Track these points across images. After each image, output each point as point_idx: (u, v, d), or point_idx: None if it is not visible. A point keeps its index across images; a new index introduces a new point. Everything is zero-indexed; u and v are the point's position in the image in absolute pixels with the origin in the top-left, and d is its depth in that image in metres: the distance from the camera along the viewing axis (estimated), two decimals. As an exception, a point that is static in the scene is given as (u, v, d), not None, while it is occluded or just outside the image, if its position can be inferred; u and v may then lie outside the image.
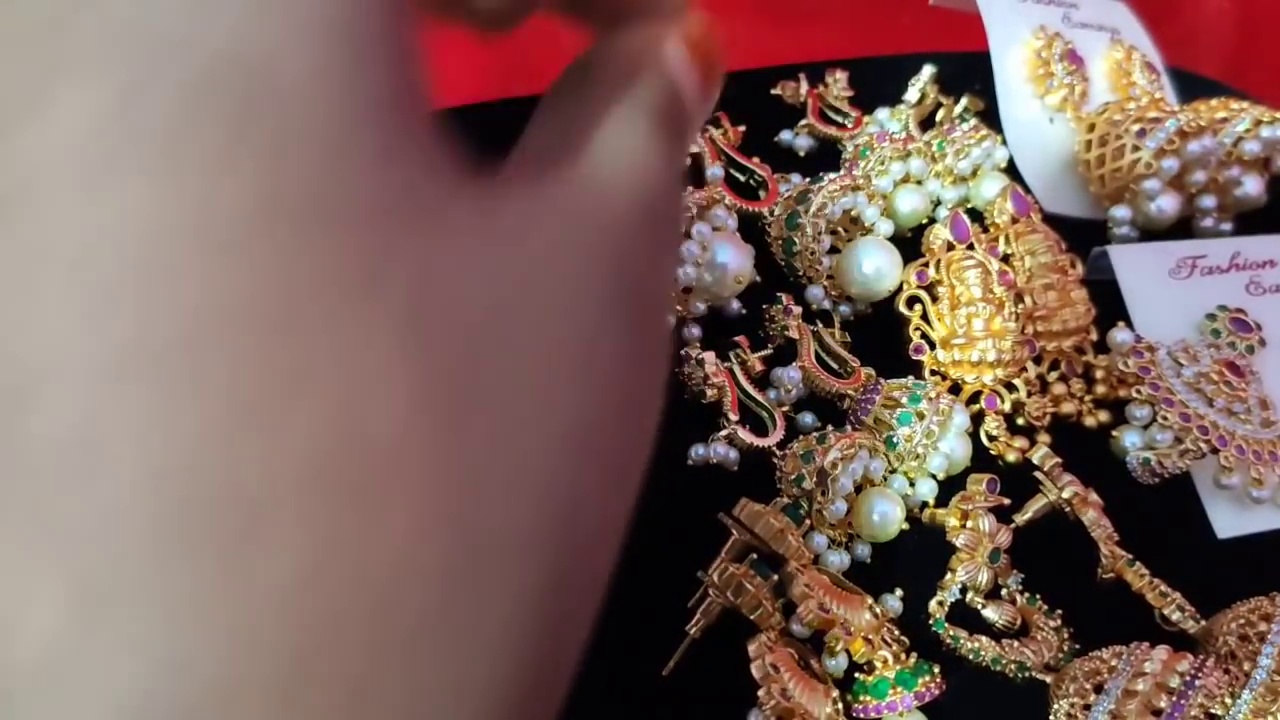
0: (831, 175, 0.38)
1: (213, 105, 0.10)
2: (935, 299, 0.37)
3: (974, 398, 0.36)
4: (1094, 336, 0.38)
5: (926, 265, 0.37)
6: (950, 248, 0.37)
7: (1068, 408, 0.36)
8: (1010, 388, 0.36)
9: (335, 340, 0.10)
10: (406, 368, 0.11)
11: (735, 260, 0.34)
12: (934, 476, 0.33)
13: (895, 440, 0.32)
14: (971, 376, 0.35)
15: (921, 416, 0.32)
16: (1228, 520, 0.36)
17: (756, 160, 0.39)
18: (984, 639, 0.30)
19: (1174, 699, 0.27)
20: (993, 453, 0.35)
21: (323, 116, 0.11)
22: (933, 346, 0.36)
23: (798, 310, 0.35)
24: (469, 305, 0.12)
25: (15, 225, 0.10)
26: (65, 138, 0.10)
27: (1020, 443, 0.35)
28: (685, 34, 0.19)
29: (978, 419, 0.35)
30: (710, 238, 0.34)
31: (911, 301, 0.37)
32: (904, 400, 0.33)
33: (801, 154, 0.41)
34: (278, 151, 0.10)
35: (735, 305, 0.35)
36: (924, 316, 0.37)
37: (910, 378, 0.34)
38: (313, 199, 0.10)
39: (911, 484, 0.33)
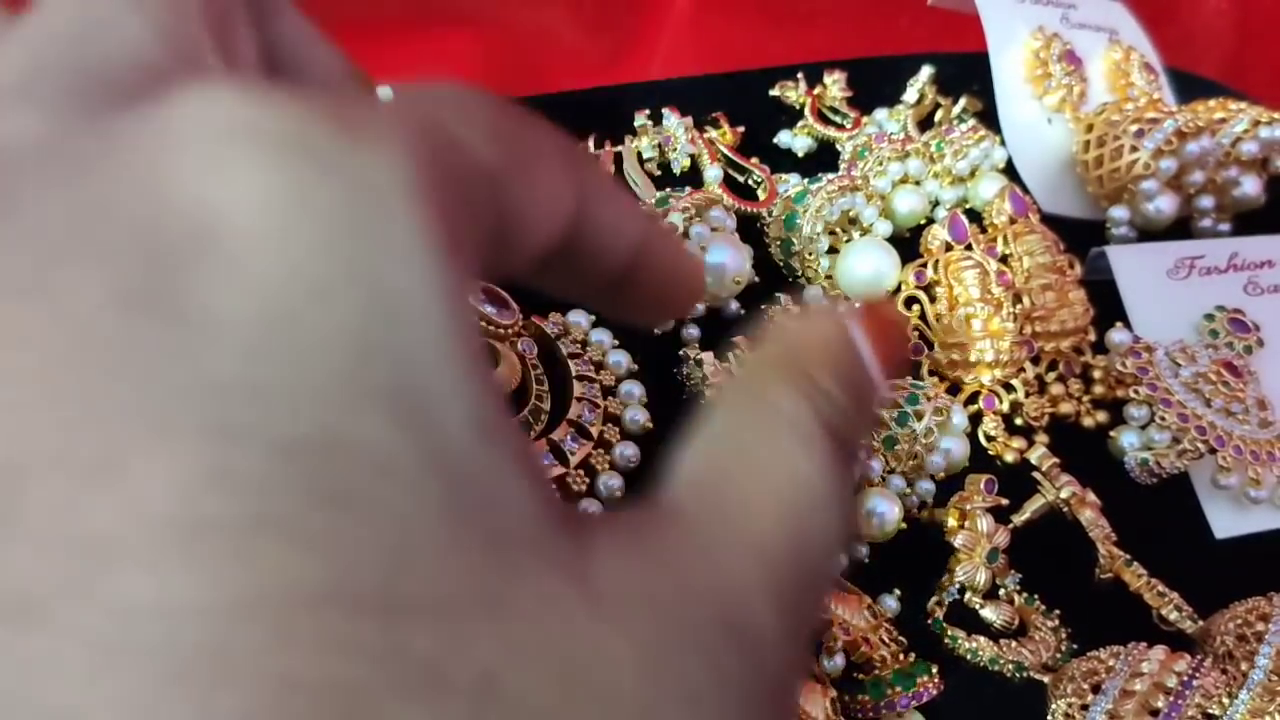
0: (830, 176, 0.38)
1: (290, 488, 0.10)
2: (933, 299, 0.37)
3: (972, 398, 0.36)
4: (1092, 337, 0.38)
5: (925, 266, 0.37)
6: (948, 248, 0.37)
7: (1065, 408, 0.36)
8: (1008, 388, 0.36)
9: None
10: None
11: (733, 261, 0.34)
12: (932, 477, 0.33)
13: (894, 440, 0.32)
14: (969, 377, 0.35)
15: (920, 417, 0.32)
16: (1225, 520, 0.36)
17: (755, 161, 0.39)
18: (982, 639, 0.30)
19: (1171, 699, 0.27)
20: (991, 453, 0.35)
21: (399, 496, 0.11)
22: (931, 347, 0.36)
23: (797, 311, 0.35)
24: (534, 703, 0.11)
25: (95, 588, 0.10)
26: (150, 509, 0.10)
27: (1018, 443, 0.35)
28: (869, 313, 0.17)
29: (976, 419, 0.35)
30: (708, 238, 0.34)
31: (910, 302, 0.37)
32: (902, 400, 0.33)
33: (800, 155, 0.41)
34: (350, 538, 0.10)
35: (734, 306, 0.35)
36: (922, 317, 0.37)
37: (908, 378, 0.34)
38: (383, 587, 0.10)
39: (910, 484, 0.33)
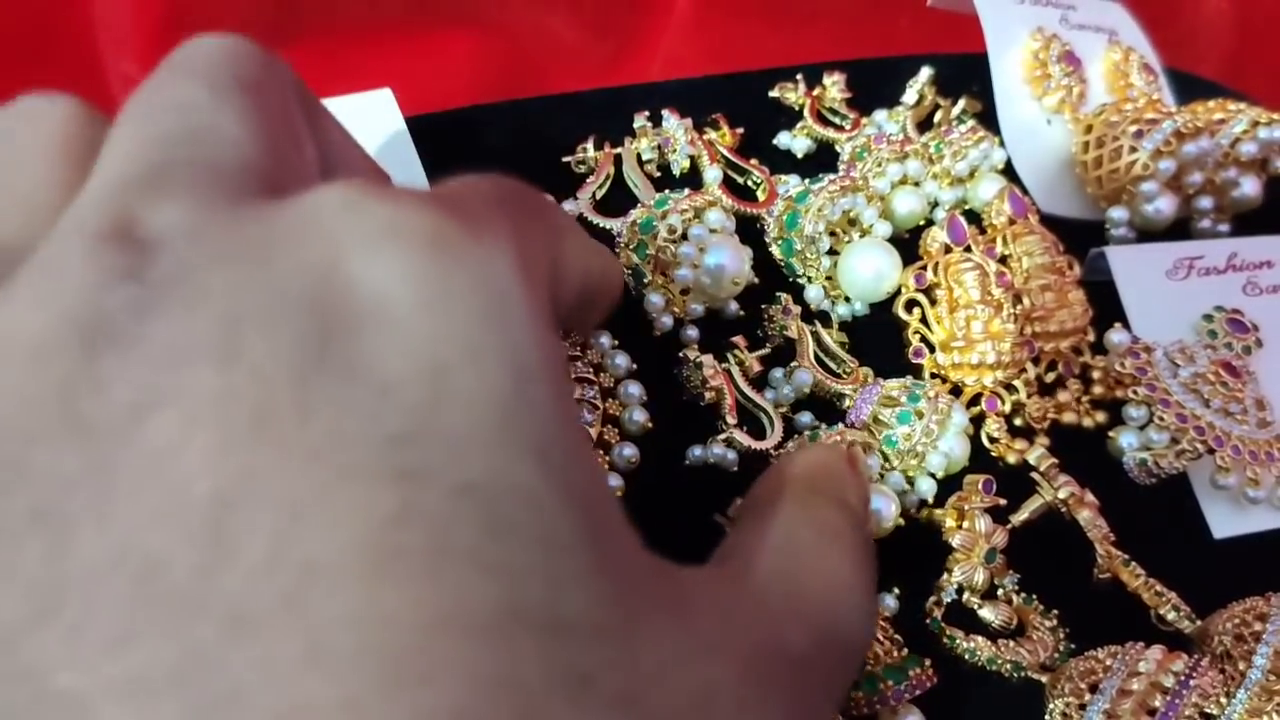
0: (831, 176, 0.38)
1: (469, 521, 0.12)
2: (934, 302, 0.37)
3: (974, 400, 0.36)
4: (1091, 337, 0.38)
5: (924, 268, 0.37)
6: (947, 250, 0.37)
7: (1069, 416, 0.36)
8: (1010, 389, 0.36)
9: None
10: None
11: (732, 262, 0.34)
12: (933, 476, 0.33)
13: (894, 439, 0.32)
14: (972, 379, 0.35)
15: (921, 415, 0.32)
16: (1224, 520, 0.36)
17: (754, 162, 0.39)
18: (980, 639, 0.30)
19: (1168, 699, 0.27)
20: (994, 455, 0.35)
21: (548, 533, 0.13)
22: (932, 350, 0.36)
23: (797, 310, 0.36)
24: (664, 711, 0.13)
25: (307, 603, 0.11)
26: (351, 537, 0.12)
27: (1021, 444, 0.35)
28: (852, 455, 0.24)
29: (978, 421, 0.35)
30: (708, 240, 0.34)
31: (910, 305, 0.37)
32: (903, 399, 0.33)
33: (799, 156, 0.41)
34: (516, 566, 0.12)
35: (733, 307, 0.35)
36: (923, 320, 0.37)
37: (909, 377, 0.35)
38: (546, 607, 0.12)
39: (911, 482, 0.33)
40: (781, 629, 0.16)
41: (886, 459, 0.33)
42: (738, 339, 0.34)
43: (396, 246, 0.13)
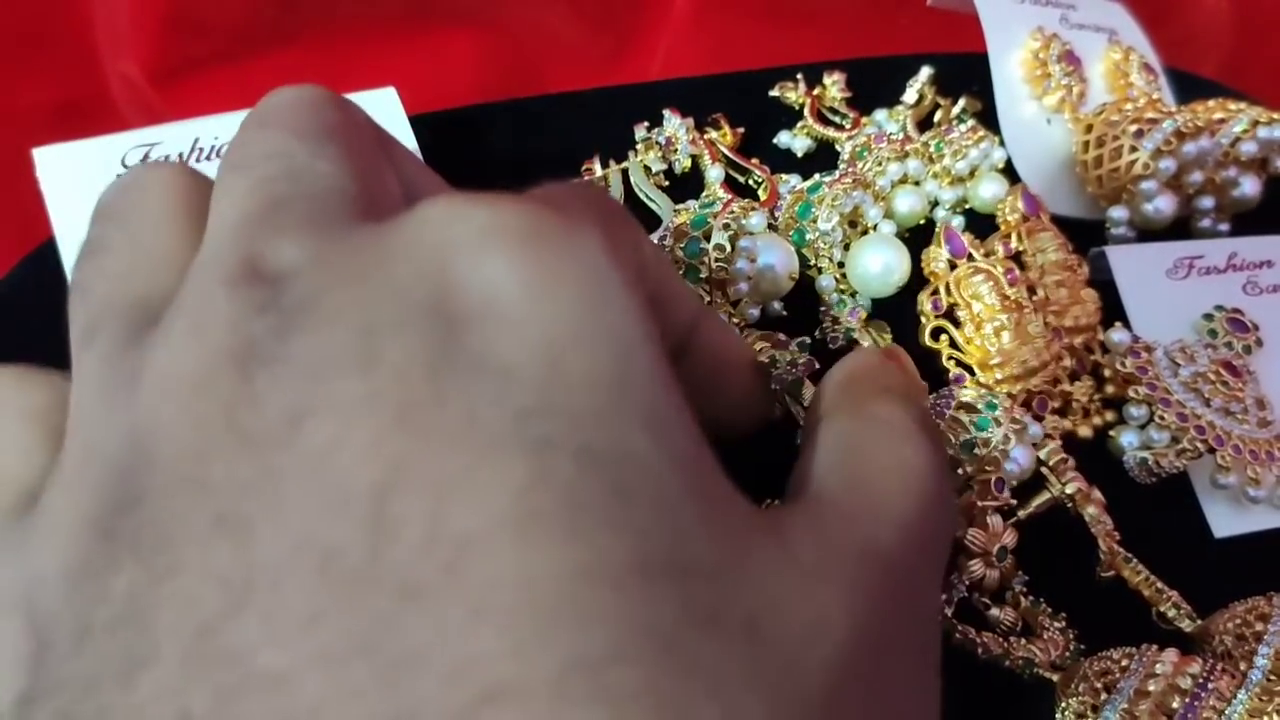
0: (838, 171, 0.38)
1: (595, 484, 0.14)
2: (958, 324, 0.36)
3: (1025, 403, 0.35)
4: (1101, 336, 0.38)
5: (936, 292, 0.37)
6: (952, 266, 0.37)
7: (1084, 430, 0.36)
8: (1055, 382, 0.36)
9: (703, 670, 0.13)
10: (759, 696, 0.13)
11: (781, 260, 0.34)
12: (1004, 481, 0.33)
13: (972, 444, 0.32)
14: (1018, 387, 0.35)
15: (999, 424, 0.32)
16: (1224, 520, 0.36)
17: (755, 161, 0.39)
18: (990, 635, 0.30)
19: (1187, 700, 0.27)
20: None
21: (661, 490, 0.14)
22: (971, 372, 0.36)
23: (862, 311, 0.36)
24: (786, 640, 0.14)
25: (466, 569, 0.13)
26: (496, 506, 0.13)
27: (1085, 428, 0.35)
28: (891, 350, 0.24)
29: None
30: (756, 247, 0.34)
31: (936, 334, 0.36)
32: (980, 406, 0.32)
33: (799, 155, 0.41)
34: (638, 522, 0.14)
35: (776, 305, 0.36)
36: (952, 344, 0.36)
37: (982, 387, 0.35)
38: (664, 557, 0.14)
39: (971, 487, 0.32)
40: (869, 534, 0.17)
41: (964, 467, 0.32)
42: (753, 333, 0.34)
43: (498, 245, 0.15)
